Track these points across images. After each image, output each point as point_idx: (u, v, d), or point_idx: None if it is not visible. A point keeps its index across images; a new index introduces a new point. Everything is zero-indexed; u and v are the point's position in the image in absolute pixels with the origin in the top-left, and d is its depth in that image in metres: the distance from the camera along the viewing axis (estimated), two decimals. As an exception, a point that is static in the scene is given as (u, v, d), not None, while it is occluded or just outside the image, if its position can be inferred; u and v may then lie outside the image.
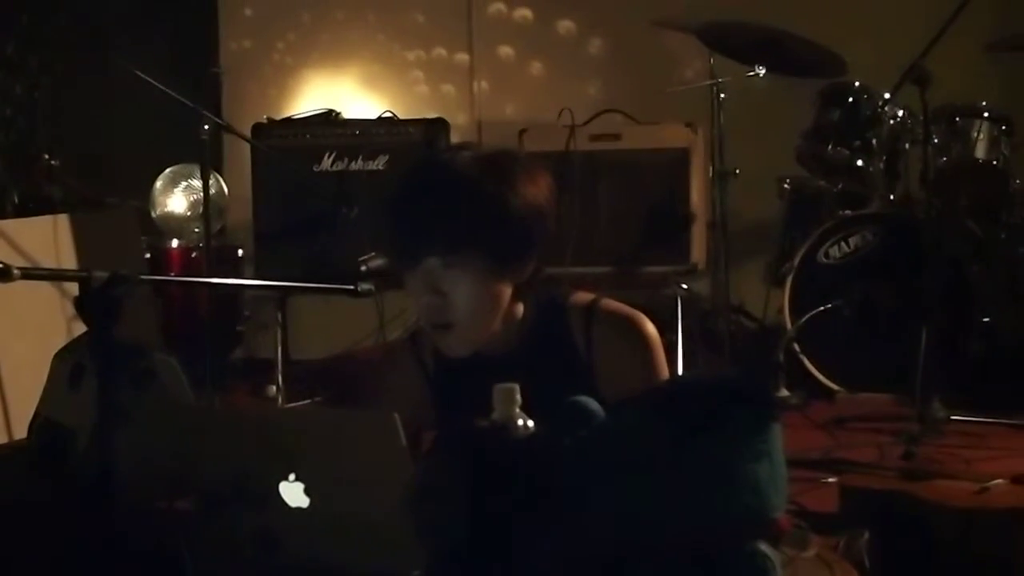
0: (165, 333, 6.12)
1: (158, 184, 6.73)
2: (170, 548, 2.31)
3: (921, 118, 5.40)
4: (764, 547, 1.89)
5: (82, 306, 2.33)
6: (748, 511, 1.90)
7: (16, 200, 6.08)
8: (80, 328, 2.45)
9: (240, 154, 6.65)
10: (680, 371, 5.52)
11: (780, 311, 5.93)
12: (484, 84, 7.50)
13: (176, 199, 6.71)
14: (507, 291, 2.65)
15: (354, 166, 6.10)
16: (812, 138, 6.15)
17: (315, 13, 7.61)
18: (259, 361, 6.75)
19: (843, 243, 5.85)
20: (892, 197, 6.07)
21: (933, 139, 5.53)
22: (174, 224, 6.68)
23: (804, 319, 5.70)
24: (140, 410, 2.61)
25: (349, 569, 2.15)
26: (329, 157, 6.11)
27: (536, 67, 7.48)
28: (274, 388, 5.98)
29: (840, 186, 6.14)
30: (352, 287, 2.72)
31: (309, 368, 6.58)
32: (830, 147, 6.07)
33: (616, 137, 6.16)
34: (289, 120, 6.49)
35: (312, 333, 6.87)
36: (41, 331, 4.74)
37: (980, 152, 5.93)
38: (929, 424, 4.84)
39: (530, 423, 2.03)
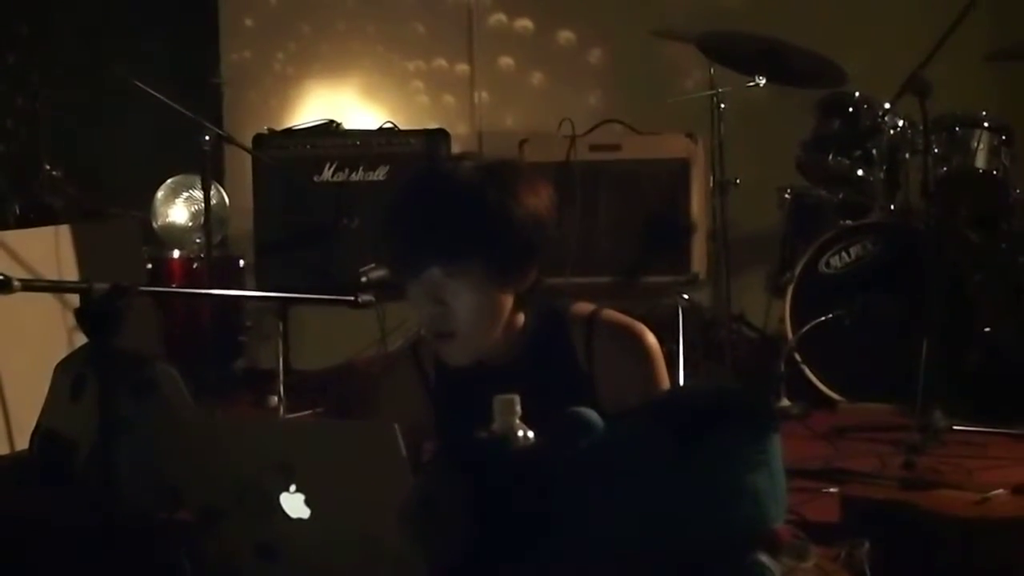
0: (166, 344, 6.12)
1: (159, 195, 6.74)
2: (171, 559, 2.32)
3: (921, 128, 5.40)
4: (764, 558, 1.89)
5: (83, 318, 2.33)
6: (747, 521, 1.90)
7: (17, 211, 6.09)
8: (81, 339, 2.46)
9: (241, 165, 6.66)
10: (681, 381, 5.52)
11: (781, 321, 5.93)
12: (484, 94, 7.51)
13: (177, 210, 6.72)
14: (508, 300, 2.66)
15: (355, 177, 6.10)
16: (812, 148, 6.16)
17: (316, 24, 7.61)
18: (260, 371, 6.75)
19: (844, 253, 5.85)
20: (892, 207, 6.07)
21: (933, 149, 5.53)
22: (175, 235, 6.69)
23: (805, 329, 5.70)
24: (141, 421, 2.61)
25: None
26: (330, 168, 6.12)
27: (536, 77, 7.48)
28: (275, 398, 5.98)
29: (840, 196, 6.13)
30: (352, 298, 2.73)
31: (310, 378, 6.58)
32: (830, 157, 6.08)
33: (616, 147, 6.17)
34: (290, 131, 6.49)
35: (313, 343, 6.87)
36: (42, 342, 4.75)
37: (980, 162, 5.93)
38: (930, 434, 4.83)
39: (530, 434, 2.03)
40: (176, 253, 6.60)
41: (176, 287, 6.52)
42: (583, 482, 1.94)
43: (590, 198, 6.01)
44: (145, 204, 6.68)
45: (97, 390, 2.35)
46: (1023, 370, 5.60)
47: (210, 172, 5.80)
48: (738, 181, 6.12)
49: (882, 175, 6.05)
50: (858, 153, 6.04)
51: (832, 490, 4.24)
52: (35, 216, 5.85)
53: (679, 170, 6.06)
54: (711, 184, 6.15)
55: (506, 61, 7.51)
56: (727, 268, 6.13)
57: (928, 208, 5.44)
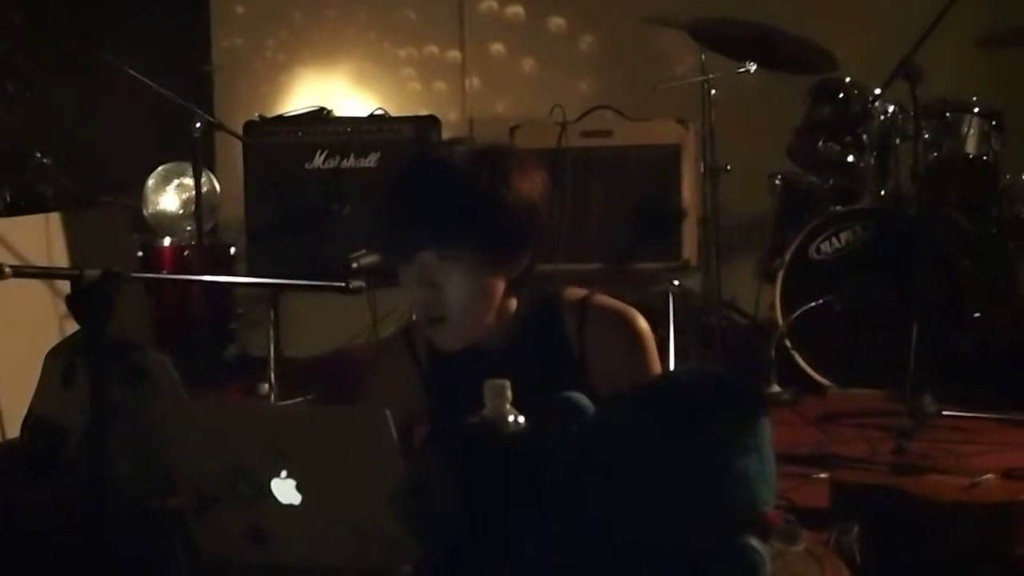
0: (157, 331, 6.12)
1: (150, 182, 6.74)
2: (163, 546, 2.32)
3: (912, 114, 5.41)
4: (754, 541, 1.90)
5: (74, 304, 2.33)
6: (738, 505, 1.91)
7: (8, 199, 6.08)
8: (72, 326, 2.45)
9: (232, 152, 6.65)
10: (671, 367, 5.52)
11: (771, 307, 5.94)
12: (476, 81, 7.51)
13: (168, 197, 6.72)
14: (501, 285, 2.66)
15: (346, 164, 6.10)
16: (803, 134, 6.16)
17: (307, 11, 7.61)
18: (252, 358, 6.75)
19: (834, 239, 5.86)
20: (883, 193, 6.07)
21: (924, 134, 5.53)
22: (166, 222, 6.69)
23: (795, 315, 5.71)
24: (133, 408, 2.61)
25: (342, 565, 2.16)
26: (321, 155, 6.11)
27: (528, 64, 7.48)
28: (267, 386, 5.98)
29: (831, 182, 6.14)
30: (344, 284, 2.73)
31: (302, 365, 6.58)
32: (821, 143, 6.08)
33: (607, 134, 6.16)
34: (281, 118, 6.48)
35: (305, 330, 6.86)
36: (33, 330, 4.74)
37: (970, 147, 5.94)
38: (920, 419, 4.85)
39: (521, 419, 2.03)
40: (167, 240, 6.60)
41: (167, 274, 6.51)
42: (574, 467, 1.95)
43: (581, 184, 6.00)
44: (136, 191, 6.68)
45: (88, 377, 2.35)
46: (1013, 355, 5.62)
47: (201, 159, 5.78)
48: (729, 167, 6.12)
49: (873, 161, 6.05)
50: (849, 139, 6.05)
51: (822, 475, 4.25)
52: (25, 204, 5.84)
53: (670, 156, 6.05)
54: (702, 170, 6.15)
55: (497, 48, 7.50)
56: (718, 254, 6.14)
57: (918, 194, 5.45)
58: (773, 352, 5.64)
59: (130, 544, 2.34)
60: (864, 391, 5.53)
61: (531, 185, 2.64)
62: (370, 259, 3.01)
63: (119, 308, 2.34)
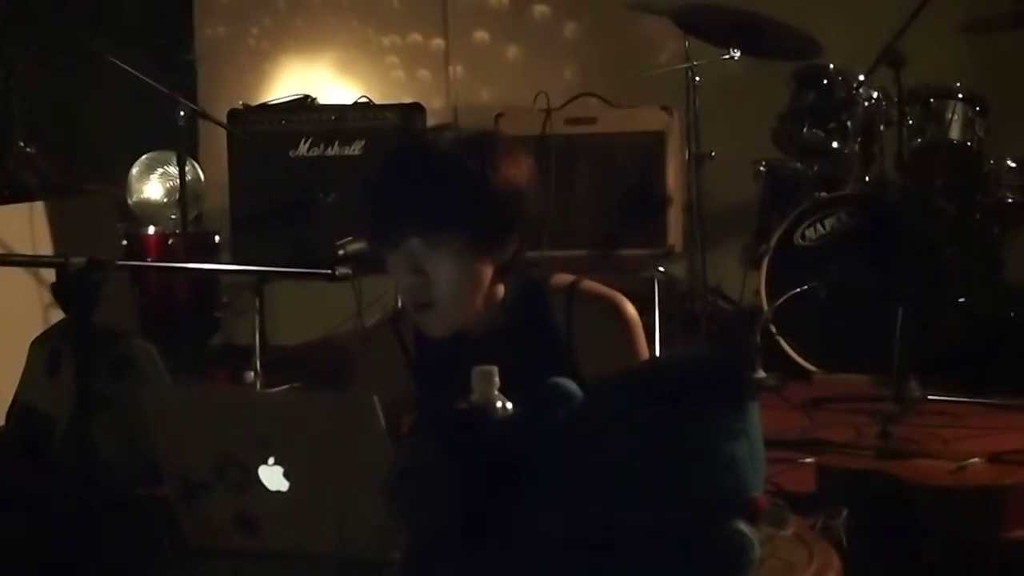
0: (142, 320, 6.11)
1: (134, 171, 6.72)
2: (149, 533, 2.32)
3: (896, 100, 5.42)
4: (742, 526, 1.90)
5: (59, 292, 2.33)
6: (726, 490, 1.91)
7: (-9, 188, 6.06)
8: (57, 315, 2.45)
9: (216, 140, 6.64)
10: (658, 353, 5.52)
11: (757, 293, 5.94)
12: (460, 69, 7.50)
13: (152, 186, 6.70)
14: (488, 271, 2.66)
15: (330, 151, 6.10)
16: (787, 120, 6.16)
17: (290, -1, 7.60)
18: (237, 347, 6.74)
19: (819, 225, 5.86)
20: (867, 179, 6.08)
21: (908, 121, 5.54)
22: (150, 211, 6.67)
23: (780, 300, 5.70)
24: (118, 396, 2.61)
25: (330, 552, 2.16)
26: (305, 143, 6.11)
27: (512, 51, 7.47)
28: (252, 374, 5.97)
29: (816, 168, 6.14)
30: (330, 271, 2.73)
31: (287, 354, 6.57)
32: (805, 129, 6.08)
33: (592, 121, 6.16)
34: (265, 106, 6.48)
35: (290, 319, 6.86)
36: (18, 318, 4.74)
37: (955, 133, 5.94)
38: (906, 404, 4.86)
39: (508, 405, 2.03)
40: (151, 229, 6.58)
41: (152, 262, 6.50)
42: (562, 453, 1.94)
43: (566, 172, 6.01)
44: (120, 180, 6.66)
45: (73, 366, 2.35)
46: (998, 340, 5.63)
47: (185, 148, 5.78)
48: (713, 154, 6.13)
49: (857, 147, 6.05)
50: (833, 125, 6.05)
51: (808, 460, 4.25)
52: (9, 193, 5.82)
53: (655, 143, 6.06)
54: (687, 157, 6.16)
55: (481, 35, 7.49)
56: (703, 241, 6.14)
57: (903, 179, 5.46)
58: (758, 338, 5.63)
59: (116, 532, 2.34)
60: (850, 376, 5.54)
61: (519, 171, 2.65)
62: (356, 246, 3.00)
63: (104, 297, 2.33)
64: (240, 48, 7.61)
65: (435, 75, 7.52)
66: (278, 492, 2.21)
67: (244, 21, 7.63)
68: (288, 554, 2.22)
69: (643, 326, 2.78)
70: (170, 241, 6.46)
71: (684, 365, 2.04)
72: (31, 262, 3.84)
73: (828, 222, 5.86)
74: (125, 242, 6.38)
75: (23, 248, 5.15)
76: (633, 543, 1.89)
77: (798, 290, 5.68)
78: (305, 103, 6.41)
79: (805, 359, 5.74)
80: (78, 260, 2.33)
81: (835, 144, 6.04)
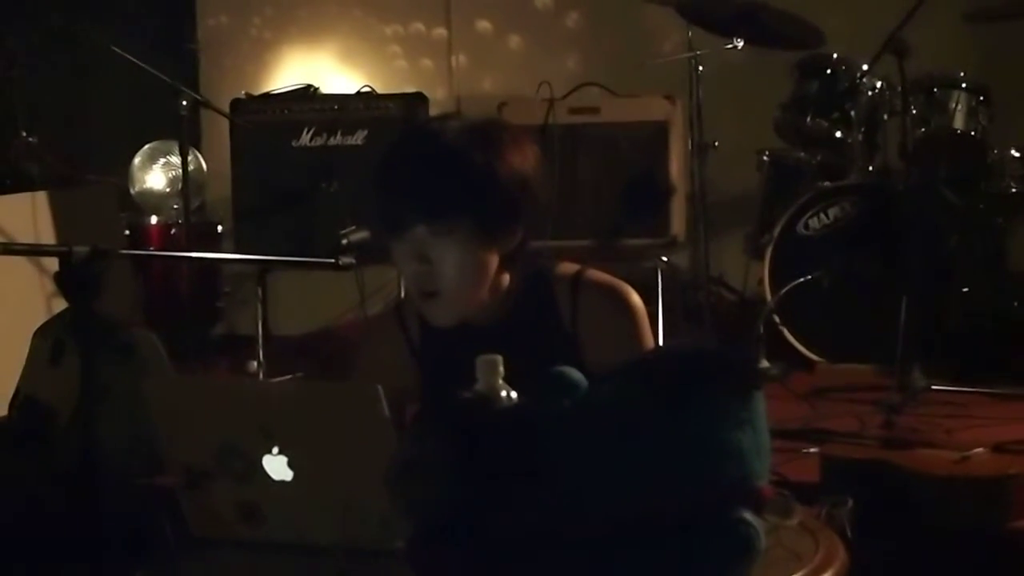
0: (145, 310, 6.11)
1: (137, 161, 6.71)
2: (153, 523, 2.31)
3: (899, 89, 5.41)
4: (748, 515, 1.90)
5: (63, 282, 2.32)
6: (731, 480, 1.91)
7: (-6, 177, 6.06)
8: (60, 305, 2.44)
9: (218, 130, 6.63)
10: (661, 343, 5.52)
11: (760, 283, 5.93)
12: (462, 58, 7.49)
13: (155, 176, 6.70)
14: (494, 260, 2.66)
15: (333, 141, 6.09)
16: (791, 110, 6.16)
17: (292, -12, 7.59)
18: (239, 337, 6.73)
19: (822, 214, 5.86)
20: (871, 168, 6.07)
21: (911, 110, 5.53)
22: (153, 201, 6.67)
23: (784, 290, 5.70)
24: (121, 386, 2.60)
25: (334, 542, 2.15)
26: (308, 132, 6.10)
27: (514, 41, 7.46)
28: (255, 364, 5.97)
29: (819, 158, 6.14)
30: (333, 260, 2.72)
31: (289, 343, 6.57)
32: (808, 119, 6.08)
33: (595, 110, 6.15)
34: (267, 95, 6.47)
35: (292, 309, 6.86)
36: (21, 308, 4.73)
37: (958, 123, 5.93)
38: (909, 394, 4.85)
39: (513, 394, 2.03)
40: (154, 219, 6.58)
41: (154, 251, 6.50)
42: (567, 442, 1.94)
43: (569, 161, 5.99)
44: (122, 170, 6.66)
45: (76, 355, 2.34)
46: (1001, 330, 5.63)
47: (187, 138, 5.77)
48: (716, 143, 6.12)
49: (860, 136, 6.05)
50: (836, 115, 6.04)
51: (812, 450, 4.25)
52: (12, 183, 5.81)
53: (658, 133, 6.04)
54: (690, 146, 6.15)
55: (483, 25, 7.48)
56: (706, 230, 6.13)
57: (906, 169, 5.45)
58: (762, 328, 5.63)
59: (119, 522, 2.33)
60: (853, 366, 5.54)
61: (524, 159, 2.64)
62: (360, 235, 3.00)
63: (107, 286, 2.33)
64: (242, 37, 7.60)
65: (438, 64, 7.51)
66: (282, 482, 2.21)
67: (246, 10, 7.62)
68: (292, 544, 2.22)
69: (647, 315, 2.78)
70: (172, 231, 6.46)
71: (689, 355, 2.04)
72: (34, 252, 3.83)
73: (831, 212, 5.85)
74: (128, 232, 6.38)
75: (25, 238, 5.14)
76: (638, 532, 1.89)
77: (801, 280, 5.68)
78: (307, 93, 6.40)
79: (808, 349, 5.74)
80: (82, 249, 2.32)
81: (838, 134, 6.04)
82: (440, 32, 7.52)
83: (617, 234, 5.99)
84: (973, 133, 5.94)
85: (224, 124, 6.27)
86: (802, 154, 6.20)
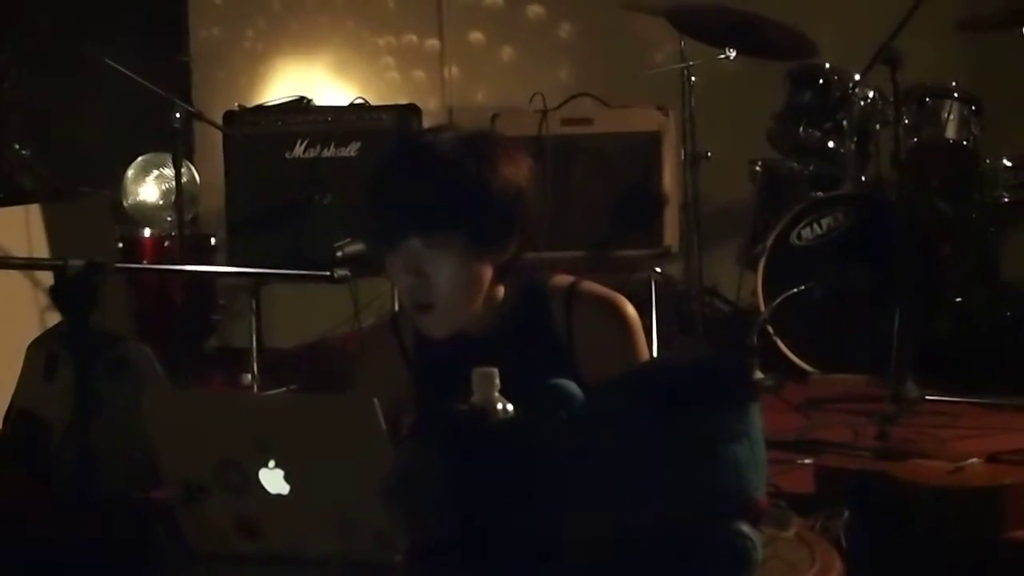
0: (138, 323, 6.10)
1: (130, 173, 6.70)
2: (149, 537, 2.31)
3: (892, 99, 5.42)
4: (745, 527, 1.90)
5: (57, 295, 2.32)
6: (728, 491, 1.91)
7: (-13, 190, 6.05)
8: (54, 318, 2.44)
9: (212, 142, 6.63)
10: (655, 354, 5.52)
11: (753, 293, 5.93)
12: (455, 70, 7.49)
13: (148, 188, 6.68)
14: (488, 272, 2.66)
15: (326, 153, 6.09)
16: (783, 120, 6.17)
17: (285, 0, 7.58)
18: (233, 350, 6.73)
19: (815, 224, 5.86)
20: (864, 178, 6.08)
21: (904, 120, 5.53)
22: (146, 213, 6.66)
23: (777, 301, 5.70)
24: (115, 399, 2.60)
25: (331, 555, 2.15)
26: (301, 144, 6.10)
27: (507, 52, 7.47)
28: (249, 377, 5.97)
29: (812, 168, 6.15)
30: (328, 273, 2.72)
31: (284, 356, 6.57)
32: (801, 129, 6.09)
33: (588, 121, 6.15)
34: (260, 107, 6.46)
35: (286, 321, 6.86)
36: (14, 321, 4.73)
37: (951, 132, 5.94)
38: (903, 404, 4.85)
39: (509, 407, 2.03)
40: (147, 231, 6.56)
41: (149, 265, 6.49)
42: (562, 454, 1.94)
43: (562, 172, 5.99)
44: (115, 182, 6.65)
45: (70, 369, 2.34)
46: (994, 340, 5.63)
47: (180, 150, 5.77)
48: (709, 154, 6.13)
49: (853, 146, 6.06)
50: (829, 125, 6.05)
51: (806, 461, 4.25)
52: (5, 196, 5.81)
53: (651, 143, 6.05)
54: (683, 157, 6.16)
55: (476, 36, 7.49)
56: (699, 241, 6.14)
57: (899, 179, 5.45)
58: (755, 339, 5.63)
59: (116, 536, 2.33)
60: (847, 377, 5.54)
61: (517, 171, 2.64)
62: (354, 248, 3.00)
63: (101, 299, 2.33)
64: (235, 49, 7.61)
65: (430, 76, 7.52)
66: (278, 495, 2.21)
67: (239, 22, 7.62)
68: (289, 557, 2.22)
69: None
70: (166, 243, 6.45)
71: (685, 366, 2.04)
72: (29, 265, 3.83)
73: (824, 222, 5.86)
74: (121, 245, 6.37)
75: (19, 251, 5.14)
76: (635, 545, 1.89)
77: (795, 290, 5.68)
78: (301, 104, 6.39)
79: (802, 359, 5.74)
80: (77, 262, 2.32)
81: (831, 144, 6.05)
82: (433, 43, 7.52)
83: (610, 245, 5.99)
84: (965, 143, 5.95)
85: (217, 136, 6.27)
86: (795, 164, 6.21)
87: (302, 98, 6.44)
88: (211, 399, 2.83)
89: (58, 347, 2.93)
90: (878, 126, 6.04)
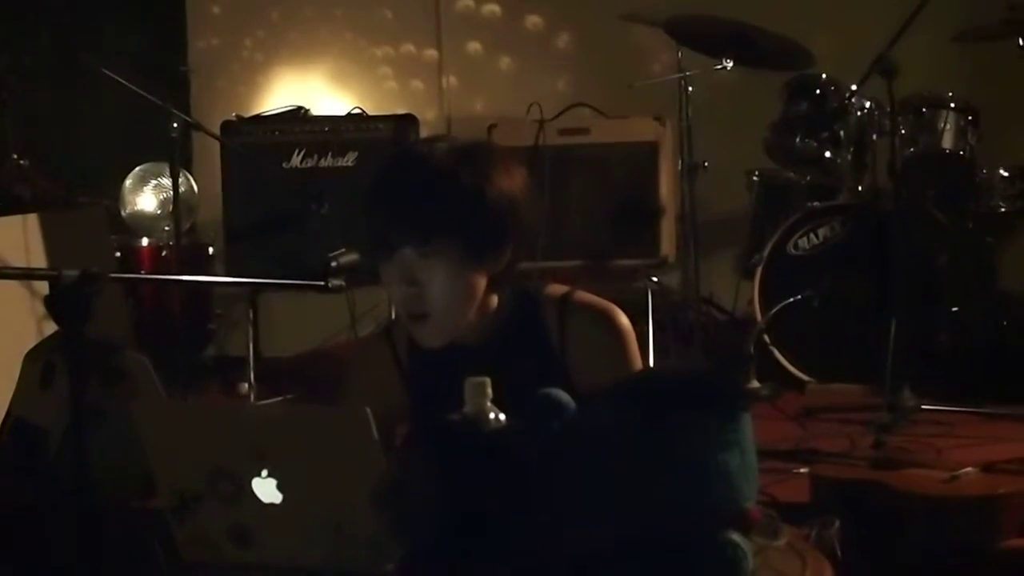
0: (135, 333, 6.10)
1: (128, 183, 6.71)
2: (143, 546, 2.31)
3: (888, 109, 5.42)
4: (736, 537, 1.90)
5: (53, 305, 2.32)
6: (719, 501, 1.91)
7: (-15, 200, 6.05)
8: (50, 328, 2.45)
9: (209, 152, 6.63)
10: (651, 364, 5.53)
11: (750, 303, 5.94)
12: (453, 80, 7.50)
13: (146, 197, 6.69)
14: (482, 282, 2.66)
15: (323, 163, 6.10)
16: (780, 130, 6.17)
17: (283, 10, 7.59)
18: (230, 359, 6.73)
19: (812, 234, 5.87)
20: (860, 188, 6.09)
21: (900, 130, 5.54)
22: (144, 223, 6.66)
23: (774, 310, 5.71)
24: (112, 409, 2.61)
25: (323, 565, 2.16)
26: (298, 154, 6.11)
27: (504, 62, 7.48)
28: (246, 386, 5.97)
29: (808, 178, 6.16)
30: (323, 283, 2.72)
31: (281, 365, 6.57)
32: (798, 139, 6.10)
33: (585, 131, 6.17)
34: (258, 117, 6.47)
35: (283, 330, 6.86)
36: (11, 331, 4.72)
37: (947, 143, 5.96)
38: (899, 413, 4.86)
39: (501, 416, 2.03)
40: (145, 241, 6.57)
41: (145, 275, 6.49)
42: (555, 464, 1.95)
43: (559, 182, 6.01)
44: (113, 192, 6.66)
45: (67, 378, 2.34)
46: (990, 349, 5.63)
47: (178, 159, 5.78)
48: (706, 164, 6.15)
49: (849, 157, 6.07)
50: (825, 135, 6.06)
51: (802, 470, 4.25)
52: (3, 205, 5.81)
53: (648, 153, 6.06)
54: (679, 167, 6.17)
55: (474, 46, 7.50)
56: (696, 251, 6.15)
57: (895, 189, 5.46)
58: (752, 348, 5.64)
59: (110, 545, 2.34)
60: (843, 386, 5.54)
61: (512, 181, 2.65)
62: (349, 258, 3.00)
63: (97, 309, 2.33)
64: (233, 59, 7.62)
65: (428, 86, 7.53)
66: (271, 504, 2.21)
67: (237, 33, 7.63)
68: (282, 566, 2.22)
69: (636, 336, 2.78)
70: (163, 253, 6.46)
71: (677, 376, 2.05)
72: (25, 275, 3.83)
73: (821, 232, 5.87)
74: (118, 254, 6.38)
75: (16, 261, 5.14)
76: (626, 554, 1.89)
77: (791, 300, 5.69)
78: (298, 114, 6.40)
79: (798, 369, 5.74)
80: (71, 273, 2.32)
81: (827, 154, 6.05)
82: (431, 53, 7.53)
83: (607, 255, 6.01)
84: (962, 153, 5.96)
85: (215, 146, 6.28)
86: (791, 174, 6.22)
87: (300, 108, 6.45)
88: (205, 408, 2.84)
89: (54, 357, 2.93)
90: (875, 136, 6.05)
